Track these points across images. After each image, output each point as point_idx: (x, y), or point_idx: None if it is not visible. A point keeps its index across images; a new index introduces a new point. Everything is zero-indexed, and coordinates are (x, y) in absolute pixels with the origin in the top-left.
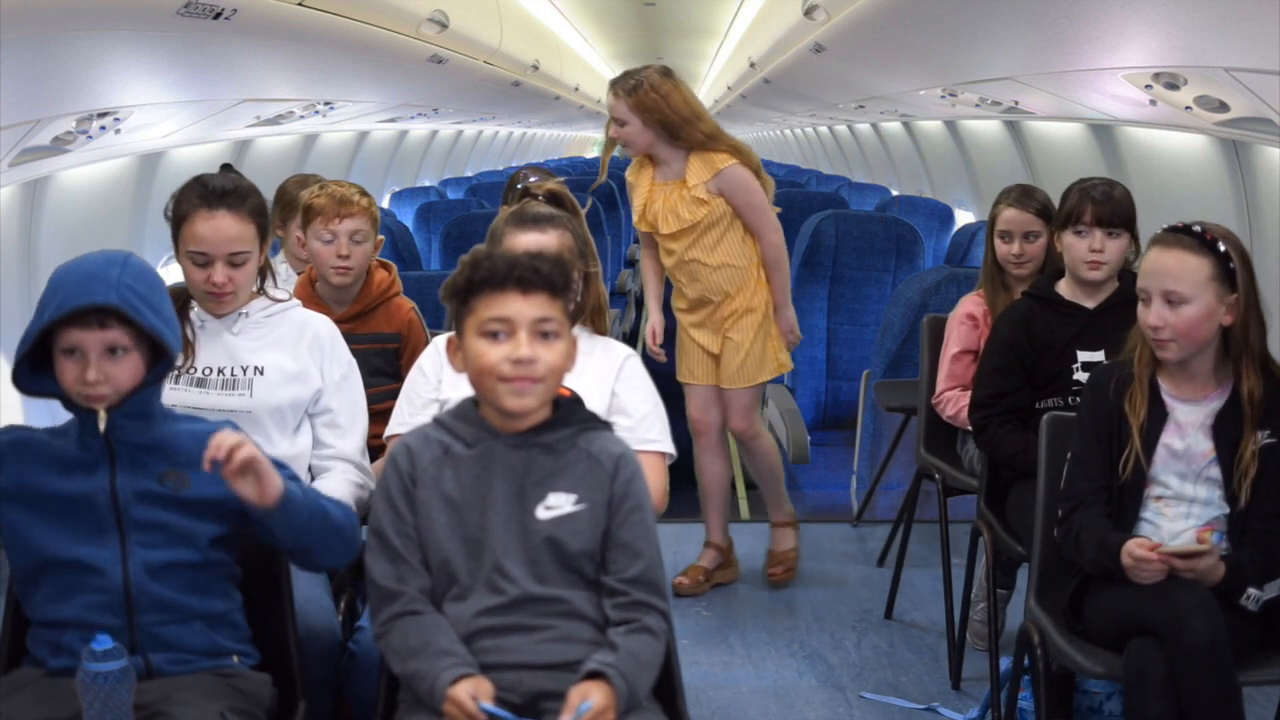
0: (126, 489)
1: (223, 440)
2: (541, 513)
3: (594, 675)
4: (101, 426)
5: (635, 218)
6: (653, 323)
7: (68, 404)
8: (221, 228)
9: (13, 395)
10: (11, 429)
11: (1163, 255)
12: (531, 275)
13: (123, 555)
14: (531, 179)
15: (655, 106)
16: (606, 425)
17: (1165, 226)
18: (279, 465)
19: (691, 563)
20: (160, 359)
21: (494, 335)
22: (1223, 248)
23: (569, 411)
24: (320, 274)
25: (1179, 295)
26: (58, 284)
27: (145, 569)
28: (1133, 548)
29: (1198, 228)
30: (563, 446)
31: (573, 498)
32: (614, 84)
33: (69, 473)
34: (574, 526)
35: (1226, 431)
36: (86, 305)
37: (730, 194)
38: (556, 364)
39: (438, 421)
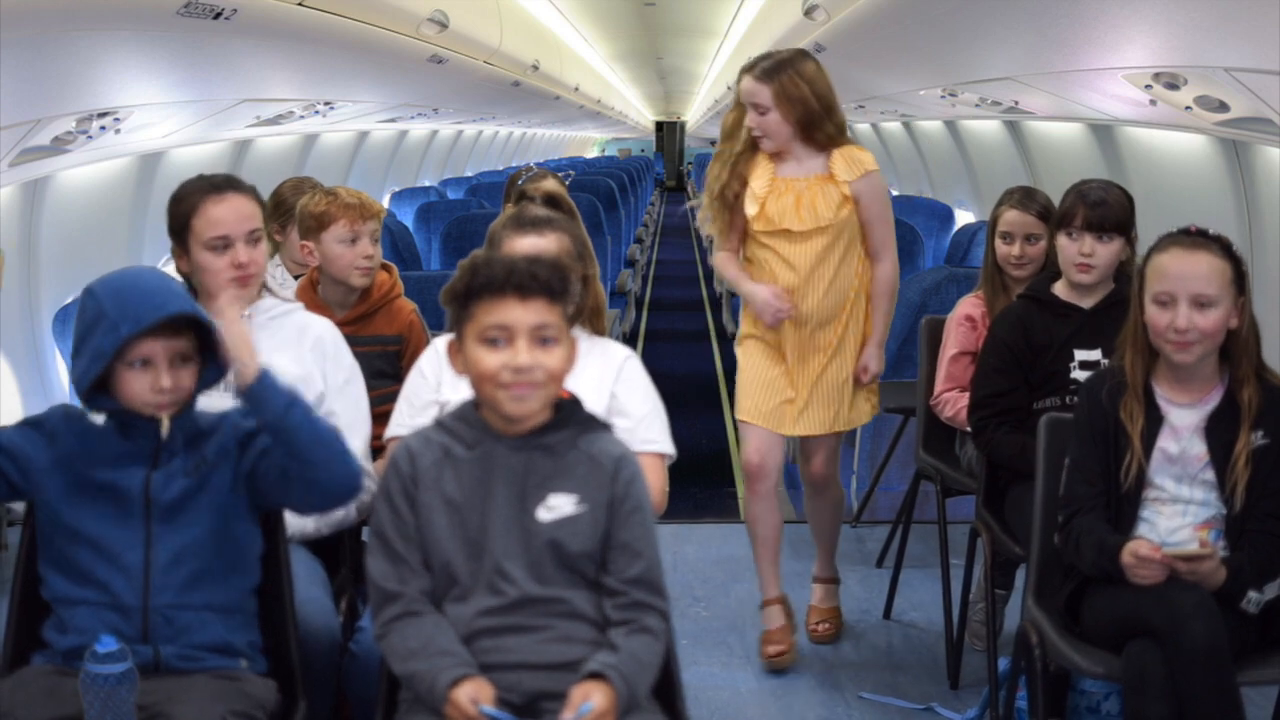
0: (159, 482)
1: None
2: (542, 514)
3: (595, 676)
4: (165, 433)
5: (753, 212)
6: (768, 292)
7: (120, 415)
8: (237, 206)
9: (13, 396)
10: (66, 408)
11: (1189, 258)
12: (529, 281)
13: (146, 539)
14: (548, 183)
15: (799, 96)
16: (606, 426)
17: (1178, 229)
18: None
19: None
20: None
21: (493, 342)
22: (1236, 251)
23: (569, 413)
24: (340, 276)
25: (1208, 298)
26: (120, 299)
27: (167, 552)
28: (1135, 548)
29: (1212, 231)
30: (563, 448)
31: (574, 499)
32: (750, 65)
33: (112, 463)
34: (574, 528)
35: (1220, 434)
36: (167, 316)
37: (869, 202)
38: (556, 369)
39: (439, 424)
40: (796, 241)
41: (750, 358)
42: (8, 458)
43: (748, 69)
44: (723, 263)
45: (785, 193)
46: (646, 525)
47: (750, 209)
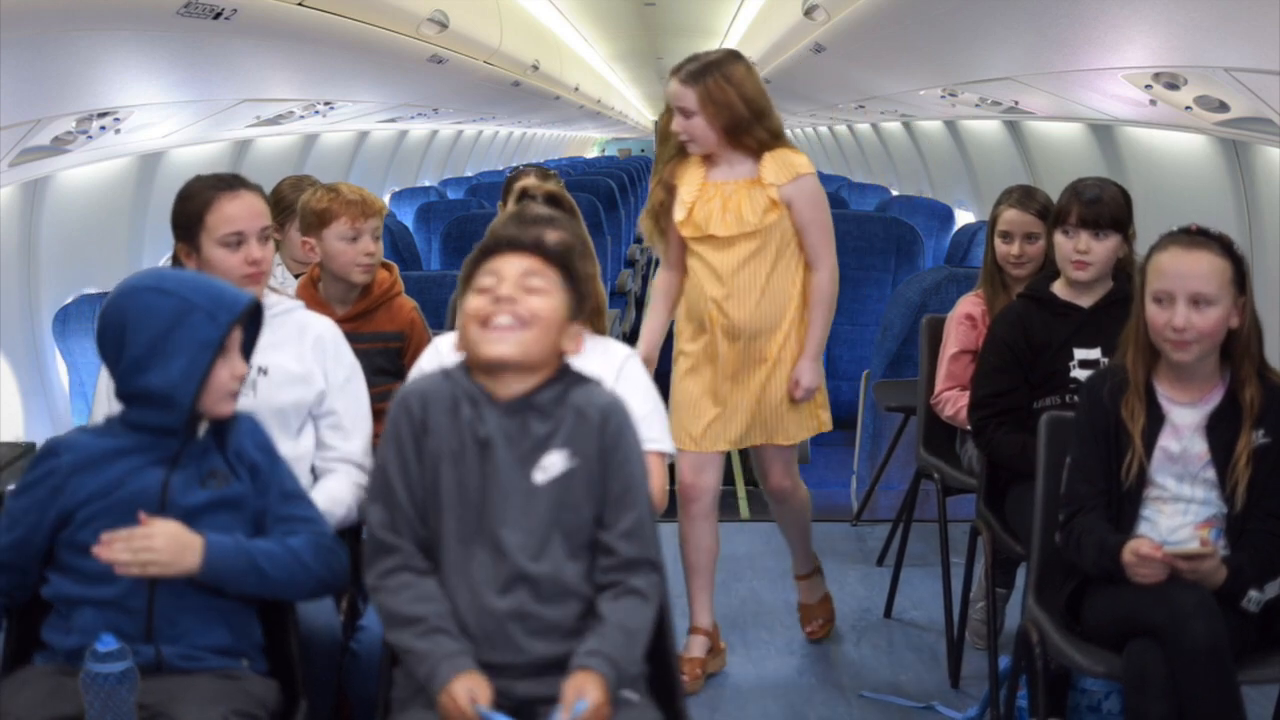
0: (177, 486)
1: (113, 547)
2: (538, 476)
3: (583, 668)
4: (202, 433)
5: (680, 217)
6: (644, 352)
7: (140, 424)
8: (250, 203)
9: (13, 396)
10: (64, 442)
11: (1187, 257)
12: (523, 238)
13: None
14: (529, 179)
15: (725, 100)
16: (595, 381)
17: (1178, 228)
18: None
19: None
20: None
21: (482, 290)
22: (1238, 251)
23: (558, 374)
24: (342, 273)
25: (1206, 297)
26: (204, 291)
27: None
28: (1137, 546)
29: (1214, 231)
30: (552, 406)
31: (565, 454)
32: (677, 68)
33: (130, 473)
34: (569, 483)
35: (1221, 433)
36: (251, 302)
37: (802, 206)
38: (542, 311)
39: (446, 373)
40: (721, 248)
41: (678, 379)
42: (33, 552)
43: (674, 71)
44: (656, 289)
45: (713, 197)
46: (636, 476)
47: (678, 214)
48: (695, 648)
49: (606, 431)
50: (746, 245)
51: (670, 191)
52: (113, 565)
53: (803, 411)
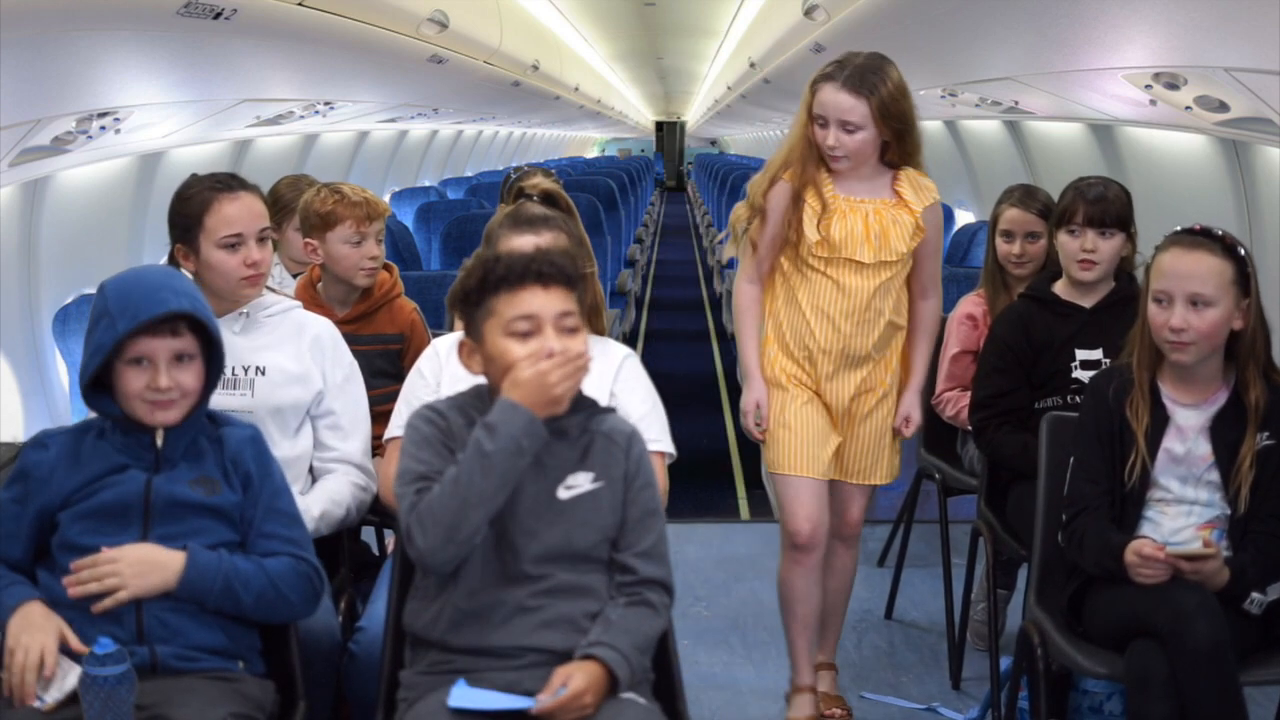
0: (160, 489)
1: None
2: (562, 493)
3: (584, 658)
4: (159, 442)
5: (815, 236)
6: (757, 395)
7: (124, 422)
8: (249, 205)
9: (13, 396)
10: (53, 436)
11: (1186, 257)
12: (550, 269)
13: (142, 541)
14: (531, 178)
15: (899, 112)
16: (611, 409)
17: (1181, 228)
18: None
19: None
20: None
21: (521, 334)
22: (1242, 252)
23: (577, 400)
24: (345, 276)
25: (1204, 298)
26: (123, 296)
27: None
28: (1139, 547)
29: (1219, 231)
30: (576, 431)
31: (590, 475)
32: (838, 74)
33: (113, 471)
34: (595, 503)
35: (1224, 435)
36: (165, 312)
37: (932, 234)
38: (583, 355)
39: (454, 402)
40: (856, 273)
41: (796, 407)
42: (24, 545)
43: (830, 77)
44: (744, 307)
45: (849, 215)
46: (656, 500)
47: (811, 232)
48: (803, 707)
49: (631, 457)
50: (884, 272)
51: (796, 201)
52: (89, 601)
53: (894, 451)
